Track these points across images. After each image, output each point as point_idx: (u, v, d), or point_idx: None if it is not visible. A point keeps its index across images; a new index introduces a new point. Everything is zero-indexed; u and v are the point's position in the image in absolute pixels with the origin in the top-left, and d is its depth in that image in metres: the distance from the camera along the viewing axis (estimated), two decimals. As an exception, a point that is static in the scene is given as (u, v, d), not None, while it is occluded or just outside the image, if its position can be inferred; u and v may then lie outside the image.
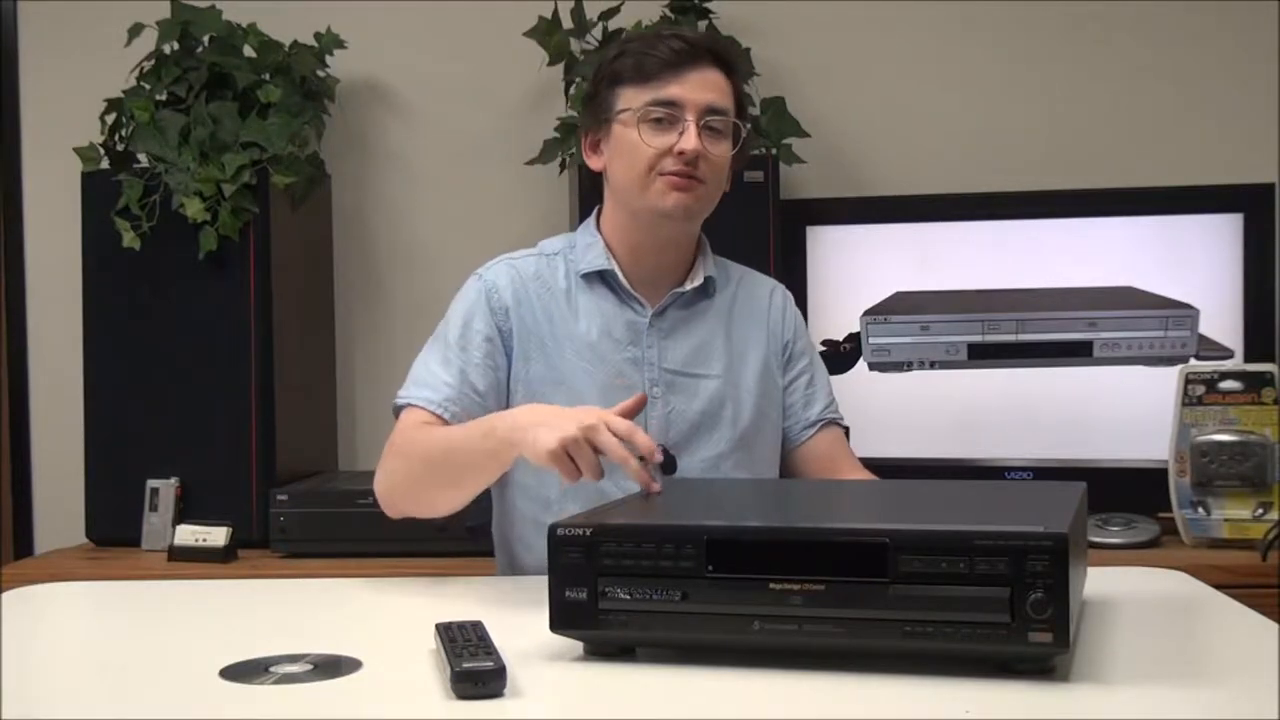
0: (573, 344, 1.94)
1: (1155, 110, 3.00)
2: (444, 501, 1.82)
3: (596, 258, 1.97)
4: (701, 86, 1.90)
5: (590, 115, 1.98)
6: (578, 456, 1.58)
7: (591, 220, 2.03)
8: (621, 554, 1.30)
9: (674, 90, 1.89)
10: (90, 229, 2.84)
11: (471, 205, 3.13)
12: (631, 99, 1.90)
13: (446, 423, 1.85)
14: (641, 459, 1.58)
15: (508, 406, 1.89)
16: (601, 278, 1.97)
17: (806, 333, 2.14)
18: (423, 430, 1.84)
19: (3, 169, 3.22)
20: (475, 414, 1.84)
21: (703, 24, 2.90)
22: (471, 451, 1.75)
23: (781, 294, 2.11)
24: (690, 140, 1.87)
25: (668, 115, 1.89)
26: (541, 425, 1.61)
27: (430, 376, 1.89)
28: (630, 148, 1.90)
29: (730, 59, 1.97)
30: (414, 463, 1.82)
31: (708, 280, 2.01)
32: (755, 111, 2.84)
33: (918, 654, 1.25)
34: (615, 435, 1.58)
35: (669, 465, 1.71)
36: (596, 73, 1.98)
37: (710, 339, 2.00)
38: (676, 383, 1.96)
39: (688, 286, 1.99)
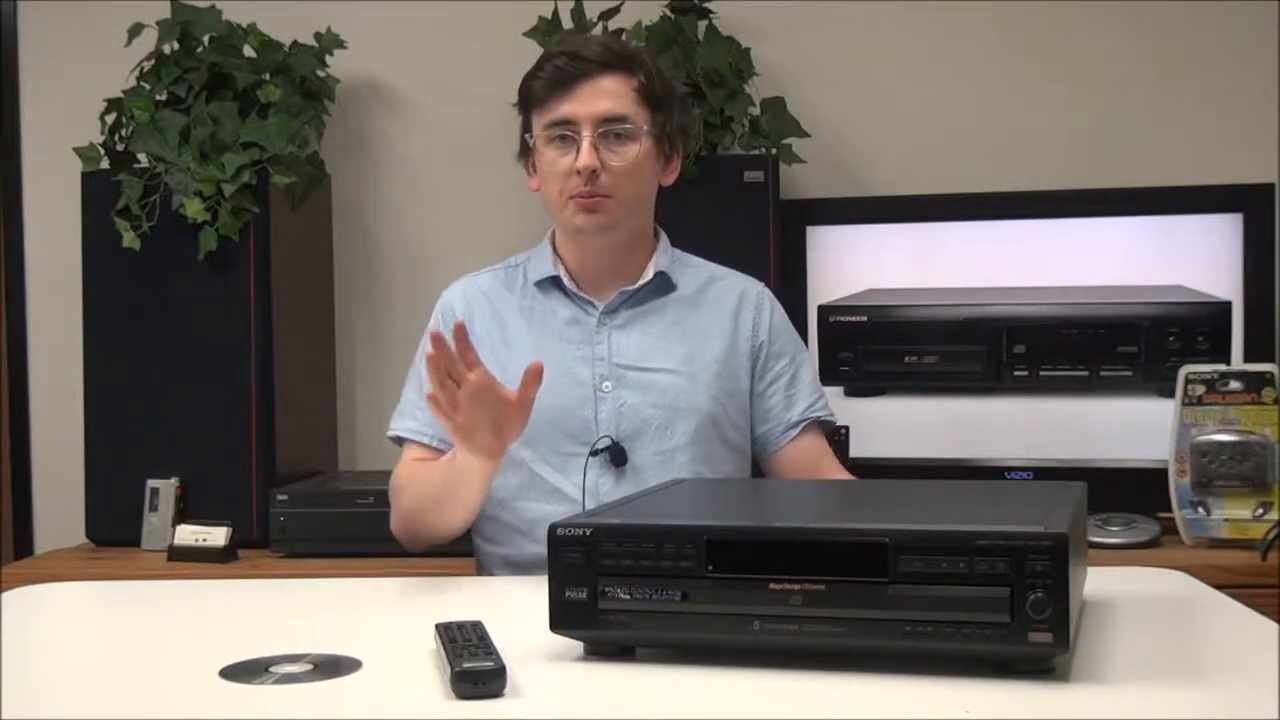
0: (528, 346, 2.01)
1: (1155, 110, 2.99)
2: (456, 519, 1.92)
3: (545, 266, 2.06)
4: (593, 98, 1.95)
5: (521, 138, 2.06)
6: (448, 405, 1.73)
7: (550, 231, 2.11)
8: (621, 554, 1.30)
9: (566, 108, 1.95)
10: (90, 229, 2.84)
11: (471, 205, 3.13)
12: (536, 123, 1.99)
13: (433, 448, 2.02)
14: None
15: None
16: (554, 283, 2.06)
17: (788, 331, 2.14)
18: (412, 467, 2.02)
19: (3, 169, 3.22)
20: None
21: (703, 24, 2.90)
22: (451, 470, 1.88)
23: (757, 294, 2.12)
24: (583, 158, 1.93)
25: (564, 134, 1.96)
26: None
27: (409, 405, 2.07)
28: (542, 171, 2.00)
29: (629, 60, 1.99)
30: (418, 498, 1.97)
31: (661, 276, 2.05)
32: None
33: (918, 654, 1.25)
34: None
35: (618, 457, 1.96)
36: (518, 97, 2.04)
37: (667, 334, 2.05)
38: (628, 377, 2.01)
39: (637, 284, 2.04)
